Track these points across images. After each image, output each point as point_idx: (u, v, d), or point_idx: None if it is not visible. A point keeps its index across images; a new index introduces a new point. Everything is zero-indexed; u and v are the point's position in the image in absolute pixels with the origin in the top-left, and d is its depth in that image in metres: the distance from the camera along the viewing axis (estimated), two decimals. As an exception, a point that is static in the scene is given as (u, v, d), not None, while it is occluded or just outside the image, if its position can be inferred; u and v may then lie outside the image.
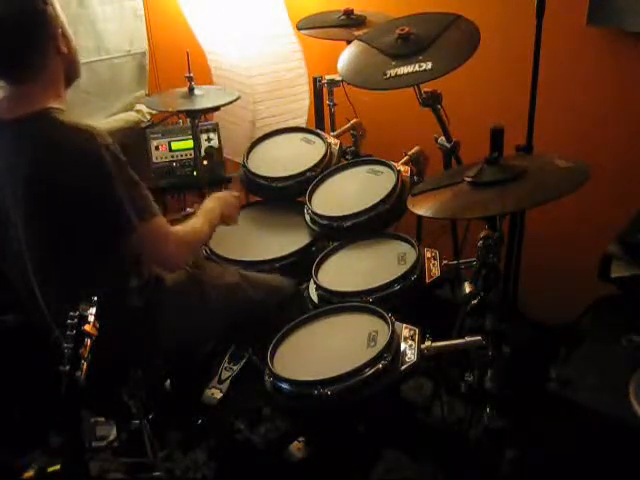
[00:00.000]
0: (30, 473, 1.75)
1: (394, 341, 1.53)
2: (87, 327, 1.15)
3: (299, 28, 2.45)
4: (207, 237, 1.74)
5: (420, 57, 1.84)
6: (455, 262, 1.87)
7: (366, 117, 2.38)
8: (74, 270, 1.51)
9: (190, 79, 2.44)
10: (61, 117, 1.44)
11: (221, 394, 2.13)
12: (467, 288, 1.58)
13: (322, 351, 1.63)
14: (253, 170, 2.19)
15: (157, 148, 2.74)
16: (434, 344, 1.55)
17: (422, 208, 1.53)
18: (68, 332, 1.14)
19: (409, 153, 2.13)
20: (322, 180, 2.13)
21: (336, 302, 1.75)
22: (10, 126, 1.46)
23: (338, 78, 2.33)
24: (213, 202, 1.83)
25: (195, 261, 1.82)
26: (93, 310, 1.18)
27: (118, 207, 1.45)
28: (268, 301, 1.83)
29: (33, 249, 1.51)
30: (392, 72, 1.84)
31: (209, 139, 2.75)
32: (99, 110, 2.74)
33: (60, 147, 1.41)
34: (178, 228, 1.62)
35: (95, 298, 1.20)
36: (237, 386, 2.15)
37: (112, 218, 1.46)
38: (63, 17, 1.50)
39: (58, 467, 1.63)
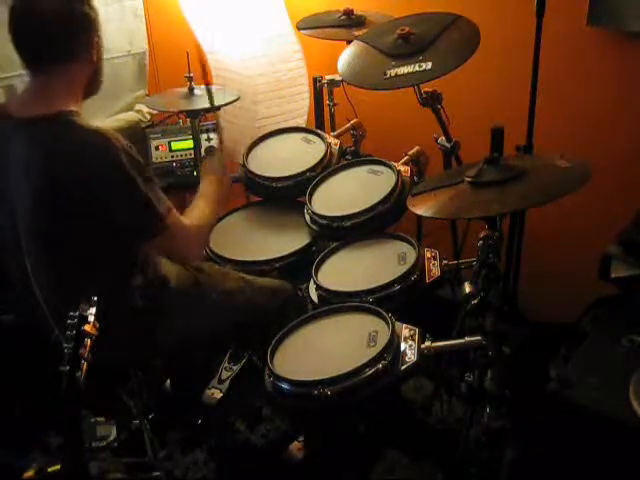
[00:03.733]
0: (30, 473, 1.75)
1: (394, 341, 1.53)
2: (87, 327, 1.15)
3: (299, 28, 2.45)
4: (213, 219, 1.78)
5: (420, 57, 1.84)
6: (455, 262, 1.87)
7: (366, 117, 2.38)
8: (80, 272, 1.51)
9: (190, 79, 2.44)
10: (77, 120, 1.44)
11: (221, 394, 2.13)
12: (467, 288, 1.58)
13: (322, 351, 1.63)
14: (253, 170, 2.19)
15: (157, 148, 2.74)
16: (434, 344, 1.55)
17: (422, 208, 1.53)
18: (68, 332, 1.14)
19: (409, 153, 2.13)
20: (322, 180, 2.13)
21: (336, 302, 1.75)
22: (24, 126, 1.45)
23: (338, 78, 2.33)
24: (208, 179, 1.84)
25: (198, 265, 1.82)
26: (93, 310, 1.18)
27: (146, 207, 1.46)
28: (268, 304, 1.84)
29: (38, 251, 1.51)
30: (392, 72, 1.84)
31: (209, 139, 2.75)
32: (99, 110, 2.73)
33: (76, 150, 1.41)
34: (187, 220, 1.63)
35: (95, 298, 1.20)
36: (237, 386, 2.15)
37: (138, 219, 1.47)
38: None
39: (58, 467, 1.63)
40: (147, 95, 2.95)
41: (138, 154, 1.48)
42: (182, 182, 2.75)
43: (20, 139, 1.46)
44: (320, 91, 2.49)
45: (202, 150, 2.69)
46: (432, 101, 1.98)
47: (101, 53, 1.54)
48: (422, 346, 1.54)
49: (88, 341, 1.14)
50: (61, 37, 1.45)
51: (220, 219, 2.22)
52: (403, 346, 1.54)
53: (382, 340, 1.53)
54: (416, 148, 2.15)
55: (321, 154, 2.18)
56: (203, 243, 1.80)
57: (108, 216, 1.45)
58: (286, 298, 1.89)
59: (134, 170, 1.43)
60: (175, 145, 2.75)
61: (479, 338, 1.52)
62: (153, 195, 1.47)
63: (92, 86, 1.57)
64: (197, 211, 1.71)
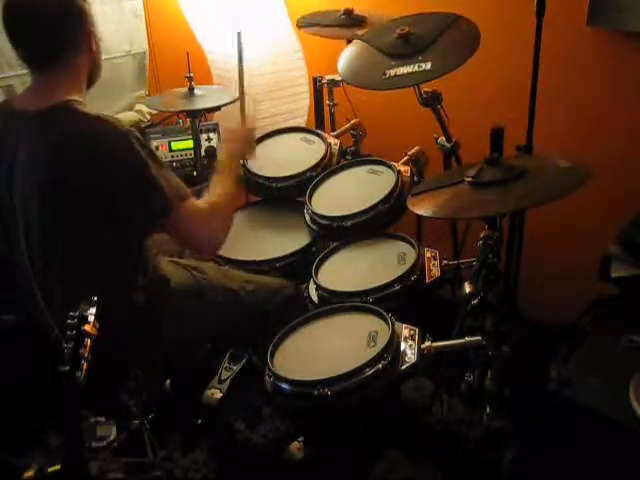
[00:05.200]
0: (30, 473, 1.75)
1: (394, 341, 1.53)
2: (87, 327, 1.15)
3: (299, 25, 2.45)
4: (235, 195, 1.74)
5: (420, 57, 1.84)
6: (455, 262, 1.87)
7: (366, 117, 2.38)
8: (81, 271, 1.51)
9: (190, 79, 2.44)
10: (82, 108, 1.45)
11: (221, 394, 2.13)
12: (467, 288, 1.58)
13: (322, 351, 1.63)
14: (253, 170, 2.19)
15: (157, 148, 2.74)
16: (434, 344, 1.55)
17: (422, 208, 1.53)
18: (68, 332, 1.14)
19: (409, 153, 2.13)
20: (322, 180, 2.13)
21: (336, 302, 1.75)
22: (32, 118, 1.45)
23: (338, 78, 2.33)
24: (225, 145, 1.86)
25: (197, 264, 1.82)
26: (93, 310, 1.18)
27: (157, 191, 1.45)
28: (269, 304, 1.83)
29: (41, 247, 1.51)
30: (392, 72, 1.84)
31: (209, 139, 2.76)
32: (99, 110, 2.73)
33: (84, 138, 1.41)
34: (203, 205, 1.59)
35: (95, 298, 1.20)
36: (237, 386, 2.15)
37: (149, 203, 1.46)
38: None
39: (58, 467, 1.63)
40: (147, 95, 2.95)
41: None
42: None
43: (27, 133, 1.46)
44: (320, 91, 2.49)
45: (202, 150, 2.69)
46: (432, 101, 1.98)
47: (98, 42, 1.56)
48: (422, 346, 1.54)
49: (88, 341, 1.14)
50: (59, 32, 1.45)
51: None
52: (403, 346, 1.54)
53: (382, 340, 1.53)
54: (416, 148, 2.15)
55: (321, 154, 2.18)
56: (224, 226, 1.64)
57: (118, 201, 1.44)
58: (287, 297, 1.89)
59: (144, 153, 1.44)
60: (175, 145, 2.75)
61: (479, 338, 1.52)
62: (164, 178, 1.47)
63: (93, 75, 1.59)
64: (214, 193, 1.66)
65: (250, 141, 2.02)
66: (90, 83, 1.59)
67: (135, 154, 1.43)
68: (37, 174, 1.44)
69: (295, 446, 1.92)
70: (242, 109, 2.07)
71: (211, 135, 2.76)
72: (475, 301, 1.56)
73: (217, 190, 1.67)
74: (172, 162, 2.75)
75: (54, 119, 1.44)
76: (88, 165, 1.41)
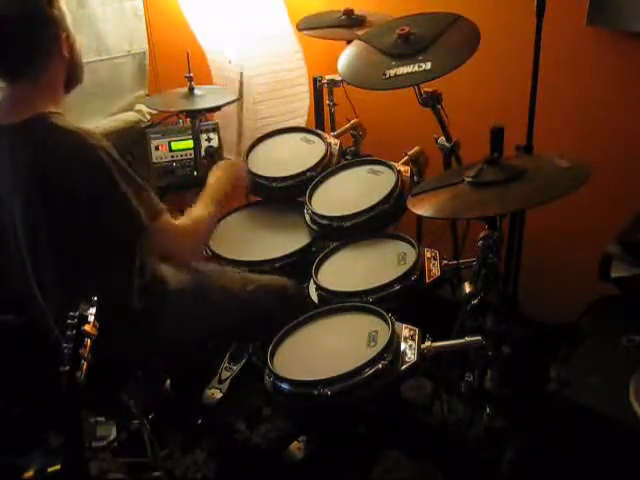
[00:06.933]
0: (30, 473, 1.75)
1: (394, 341, 1.53)
2: (87, 327, 1.15)
3: (299, 28, 2.45)
4: (214, 217, 1.77)
5: (420, 57, 1.84)
6: (455, 262, 1.87)
7: (366, 117, 2.38)
8: (76, 273, 1.51)
9: (190, 79, 2.44)
10: (58, 121, 1.44)
11: (221, 394, 2.13)
12: (467, 288, 1.58)
13: (322, 351, 1.63)
14: (253, 170, 2.19)
15: (157, 148, 2.74)
16: (434, 344, 1.55)
17: (422, 208, 1.53)
18: (68, 332, 1.14)
19: (409, 153, 2.13)
20: (322, 180, 2.13)
21: (336, 302, 1.75)
22: (8, 131, 1.45)
23: (338, 78, 2.33)
24: (216, 174, 1.88)
25: (196, 265, 1.82)
26: (93, 310, 1.18)
27: (125, 208, 1.45)
28: (269, 302, 1.83)
29: (34, 253, 1.51)
30: (392, 72, 1.84)
31: (209, 139, 2.75)
32: (99, 110, 2.73)
33: (58, 151, 1.41)
34: (181, 221, 1.63)
35: (95, 298, 1.20)
36: (237, 386, 2.15)
37: (119, 220, 1.47)
38: (68, 20, 1.50)
39: (58, 467, 1.63)
40: (147, 95, 2.95)
41: (119, 156, 1.48)
42: (182, 182, 2.75)
43: (3, 146, 1.46)
44: (320, 91, 2.49)
45: (202, 150, 2.68)
46: (432, 101, 1.98)
47: (74, 45, 1.52)
48: (422, 346, 1.54)
49: (88, 341, 1.14)
50: (25, 43, 1.43)
51: (220, 219, 2.23)
52: (403, 346, 1.54)
53: (382, 340, 1.53)
54: (416, 148, 2.15)
55: (321, 154, 2.18)
56: (198, 243, 1.76)
57: (93, 216, 1.45)
58: (288, 296, 1.89)
59: (114, 170, 1.43)
60: (175, 145, 2.75)
61: (479, 338, 1.52)
62: (136, 196, 1.46)
63: (73, 79, 1.56)
64: (195, 210, 1.70)
65: (237, 176, 1.99)
66: (69, 88, 1.56)
67: (105, 170, 1.42)
68: (15, 186, 1.44)
69: (295, 446, 1.92)
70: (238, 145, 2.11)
71: (211, 135, 2.75)
72: (475, 301, 1.56)
73: (197, 211, 1.70)
74: (172, 162, 2.75)
75: (30, 133, 1.42)
76: (62, 180, 1.41)
